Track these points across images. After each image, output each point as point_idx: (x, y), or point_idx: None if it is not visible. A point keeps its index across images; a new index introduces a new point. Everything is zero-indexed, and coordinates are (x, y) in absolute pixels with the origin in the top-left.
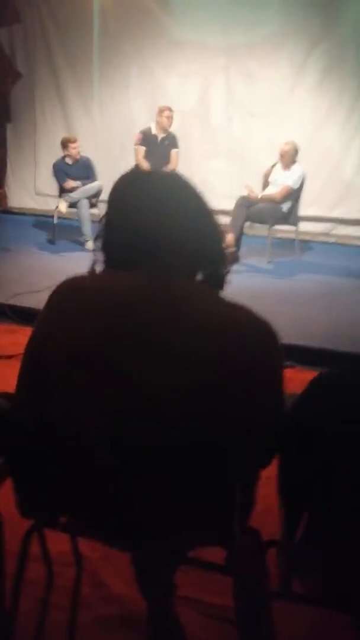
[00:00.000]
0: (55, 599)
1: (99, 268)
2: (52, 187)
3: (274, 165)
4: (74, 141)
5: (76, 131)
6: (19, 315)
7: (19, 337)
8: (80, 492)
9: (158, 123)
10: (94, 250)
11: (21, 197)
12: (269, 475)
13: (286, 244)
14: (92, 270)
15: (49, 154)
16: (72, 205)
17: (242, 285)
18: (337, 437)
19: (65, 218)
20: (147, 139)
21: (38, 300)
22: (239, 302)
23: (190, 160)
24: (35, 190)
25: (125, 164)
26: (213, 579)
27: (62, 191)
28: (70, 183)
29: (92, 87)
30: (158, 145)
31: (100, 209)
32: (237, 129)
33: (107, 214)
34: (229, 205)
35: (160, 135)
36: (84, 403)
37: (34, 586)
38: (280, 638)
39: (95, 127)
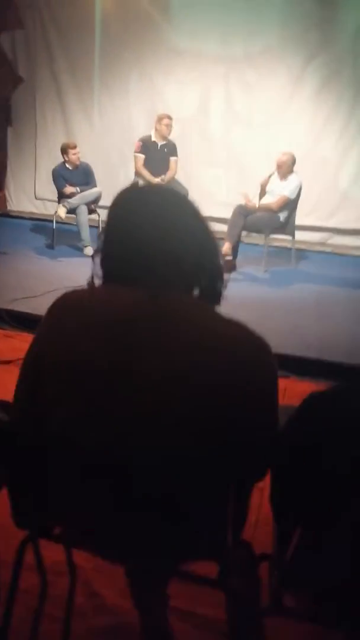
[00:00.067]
0: (49, 609)
1: (97, 282)
2: (51, 191)
3: (271, 175)
4: (74, 147)
5: (76, 136)
6: (17, 320)
7: (17, 343)
8: (75, 505)
9: (157, 131)
10: (91, 257)
11: (21, 201)
12: (262, 485)
13: (282, 253)
14: (91, 285)
15: (49, 158)
16: (71, 211)
17: (238, 294)
18: (329, 455)
19: (64, 223)
20: (146, 146)
21: (36, 306)
22: (235, 319)
23: (188, 167)
24: (34, 195)
25: (125, 171)
26: (206, 591)
27: (61, 197)
28: (69, 189)
29: (92, 93)
30: (157, 153)
31: (100, 215)
32: (235, 137)
33: (106, 228)
34: (227, 213)
35: (160, 143)
36: (81, 419)
37: (28, 596)
38: None
39: (94, 133)
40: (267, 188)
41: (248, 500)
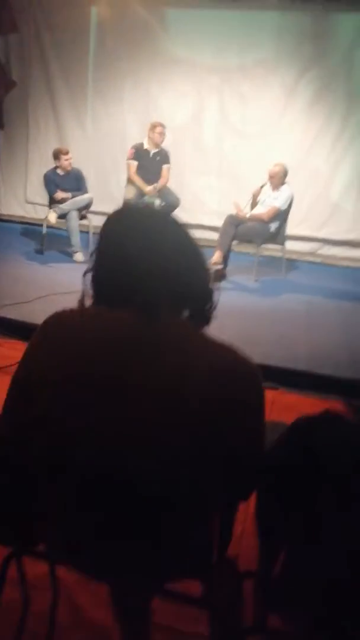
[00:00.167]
0: (31, 624)
1: (87, 302)
2: (42, 196)
3: (263, 186)
4: (66, 153)
5: (68, 142)
6: (6, 327)
7: (5, 350)
8: (59, 523)
9: (150, 139)
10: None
11: (11, 205)
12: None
13: (273, 262)
14: (81, 304)
15: (41, 163)
16: (62, 216)
17: (228, 303)
18: (315, 480)
19: (54, 228)
20: (139, 154)
21: (25, 312)
22: (223, 342)
23: (181, 176)
24: (25, 199)
25: (116, 177)
26: (189, 608)
27: (52, 202)
28: (60, 194)
29: (85, 100)
30: (150, 161)
31: (90, 221)
32: (228, 147)
33: (98, 249)
34: (218, 221)
35: (152, 151)
36: (67, 438)
37: (10, 610)
38: None
39: (87, 139)
40: (259, 198)
41: (233, 519)
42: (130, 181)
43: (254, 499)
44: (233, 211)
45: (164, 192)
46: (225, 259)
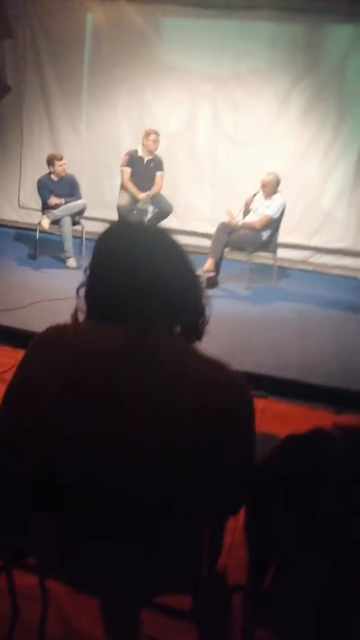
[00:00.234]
0: (20, 636)
1: (81, 317)
2: (36, 201)
3: (255, 194)
4: (60, 158)
5: (62, 148)
6: None
7: None
8: (49, 537)
9: (144, 146)
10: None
11: (4, 209)
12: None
13: (264, 270)
14: (74, 319)
15: (35, 168)
16: (55, 222)
17: (219, 311)
18: (305, 497)
19: (47, 233)
20: (133, 160)
21: (18, 318)
22: (214, 358)
23: (174, 182)
24: (18, 203)
25: (110, 184)
26: (178, 620)
27: (46, 207)
28: (53, 200)
29: (80, 106)
30: (144, 167)
31: (83, 227)
32: (221, 154)
33: (92, 264)
34: (211, 228)
35: (146, 158)
36: (62, 447)
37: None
38: None
39: (81, 145)
40: (251, 206)
41: (223, 533)
42: (123, 188)
43: (244, 511)
44: (225, 218)
45: (157, 199)
46: (217, 267)
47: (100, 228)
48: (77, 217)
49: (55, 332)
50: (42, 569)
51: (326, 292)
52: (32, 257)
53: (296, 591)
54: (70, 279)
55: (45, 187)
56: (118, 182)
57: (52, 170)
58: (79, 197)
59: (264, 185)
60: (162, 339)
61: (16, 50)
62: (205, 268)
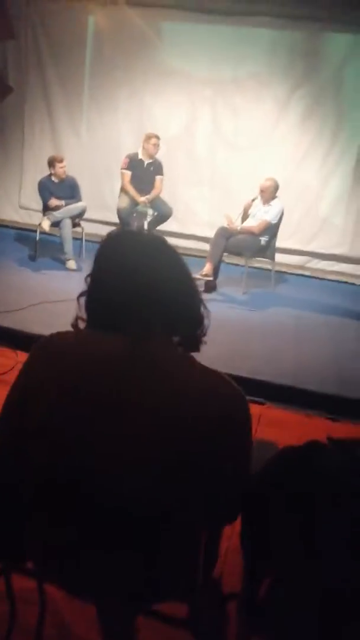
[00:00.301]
0: (18, 638)
1: (82, 325)
2: (36, 202)
3: (254, 199)
4: (61, 160)
5: (63, 149)
6: None
7: None
8: (48, 542)
9: (145, 149)
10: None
11: (5, 210)
12: None
13: (262, 274)
14: (75, 328)
15: (36, 169)
16: (55, 224)
17: (217, 315)
18: (300, 505)
19: (48, 234)
20: (133, 163)
21: (17, 320)
22: (211, 369)
23: (174, 186)
24: (19, 204)
25: (110, 186)
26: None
27: (46, 209)
28: (54, 201)
29: (81, 107)
30: (144, 171)
31: (83, 229)
32: (220, 159)
33: (93, 273)
34: (210, 232)
35: (146, 162)
36: (57, 458)
37: None
38: None
39: (82, 147)
40: (250, 211)
41: (219, 541)
42: (123, 190)
43: (240, 519)
44: (224, 223)
45: (156, 202)
46: (215, 271)
47: (100, 230)
48: (77, 219)
49: (57, 339)
50: (40, 573)
51: (323, 297)
52: (32, 258)
53: (293, 600)
54: (69, 281)
55: (46, 189)
56: (118, 185)
57: (52, 172)
58: (79, 200)
59: (262, 191)
60: (161, 348)
61: (18, 51)
62: (203, 272)
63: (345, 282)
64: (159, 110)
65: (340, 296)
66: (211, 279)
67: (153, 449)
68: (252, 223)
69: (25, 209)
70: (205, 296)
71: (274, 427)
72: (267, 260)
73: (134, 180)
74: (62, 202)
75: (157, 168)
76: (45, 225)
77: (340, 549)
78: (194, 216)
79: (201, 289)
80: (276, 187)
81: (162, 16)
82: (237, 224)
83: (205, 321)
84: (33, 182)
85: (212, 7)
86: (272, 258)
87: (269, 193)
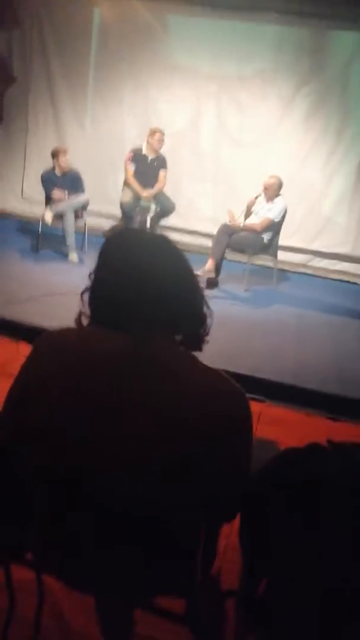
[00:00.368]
0: (16, 629)
1: (85, 321)
2: (39, 193)
3: (257, 196)
4: (65, 152)
5: (67, 141)
6: None
7: None
8: (48, 536)
9: (149, 144)
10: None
11: (7, 200)
12: None
13: (264, 272)
14: (78, 324)
15: (39, 160)
16: (58, 216)
17: (219, 312)
18: (300, 505)
19: (50, 226)
20: (137, 158)
21: (18, 312)
22: (212, 368)
23: (177, 181)
24: (22, 195)
25: (114, 179)
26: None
27: (49, 201)
28: (57, 194)
29: (85, 99)
30: (148, 165)
31: (86, 222)
32: (224, 155)
33: (96, 270)
34: (213, 228)
35: (150, 156)
36: (58, 455)
37: None
38: None
39: (86, 139)
40: (253, 209)
41: (217, 538)
42: (127, 184)
43: (238, 517)
44: (227, 219)
45: (159, 197)
46: (217, 268)
47: (103, 224)
48: (80, 212)
49: (59, 336)
50: (39, 565)
51: (325, 296)
52: (34, 249)
53: (292, 599)
54: (71, 273)
55: (49, 181)
56: (121, 178)
57: (56, 164)
58: (82, 192)
59: (266, 188)
60: (163, 347)
61: (23, 41)
62: (205, 269)
63: (348, 282)
64: (163, 104)
65: (342, 295)
66: (213, 275)
67: (154, 448)
68: (254, 220)
69: (28, 199)
70: (206, 293)
71: (274, 425)
72: (269, 258)
73: (137, 174)
74: (65, 195)
75: (161, 163)
76: (48, 217)
77: (340, 549)
78: (197, 212)
79: (203, 285)
80: (280, 185)
81: (168, 9)
82: (240, 221)
83: (208, 320)
84: (36, 172)
85: (219, 2)
86: (275, 255)
87: (273, 190)
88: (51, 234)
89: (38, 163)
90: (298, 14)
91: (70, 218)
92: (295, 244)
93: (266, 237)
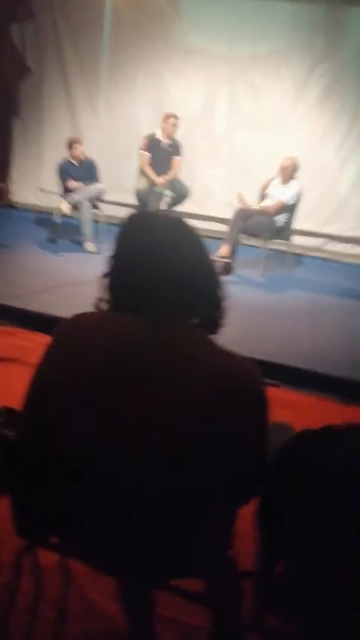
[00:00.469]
0: (43, 611)
1: (104, 306)
2: (56, 184)
3: (272, 179)
4: (80, 142)
5: (82, 130)
6: (17, 317)
7: (17, 340)
8: (73, 518)
9: (163, 129)
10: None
11: (24, 193)
12: None
13: (280, 256)
14: (98, 309)
15: (55, 151)
16: (74, 206)
17: (234, 297)
18: (318, 491)
19: (67, 217)
20: (151, 144)
21: (37, 303)
22: (230, 351)
23: (192, 166)
24: (38, 187)
25: (128, 166)
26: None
27: (65, 191)
28: (72, 184)
29: (99, 87)
30: (162, 152)
31: (102, 211)
32: (238, 138)
33: (114, 255)
34: (228, 213)
35: (165, 142)
36: (84, 438)
37: (23, 597)
38: None
39: (100, 127)
40: (268, 191)
41: (234, 520)
42: (142, 172)
43: (255, 500)
44: (237, 201)
45: (174, 183)
46: (232, 253)
47: (119, 212)
48: (96, 201)
49: (75, 324)
50: (63, 550)
51: (340, 280)
52: (53, 241)
53: (308, 582)
54: (89, 263)
55: (65, 171)
56: (136, 166)
57: (71, 154)
58: (97, 181)
59: (282, 169)
60: (178, 330)
61: (36, 31)
62: (220, 254)
63: None
64: (176, 88)
65: (357, 279)
66: (228, 260)
67: (170, 431)
68: (269, 203)
69: (45, 192)
70: (223, 281)
71: (288, 409)
72: (284, 242)
73: (152, 161)
74: (81, 184)
75: (175, 149)
76: (65, 207)
77: (356, 532)
78: (211, 197)
79: (218, 270)
80: (296, 167)
81: None
82: (250, 203)
83: (224, 303)
84: (52, 165)
85: None
86: (290, 240)
87: (289, 172)
88: (69, 224)
89: (54, 154)
90: None
91: (86, 207)
92: (310, 228)
93: (281, 220)
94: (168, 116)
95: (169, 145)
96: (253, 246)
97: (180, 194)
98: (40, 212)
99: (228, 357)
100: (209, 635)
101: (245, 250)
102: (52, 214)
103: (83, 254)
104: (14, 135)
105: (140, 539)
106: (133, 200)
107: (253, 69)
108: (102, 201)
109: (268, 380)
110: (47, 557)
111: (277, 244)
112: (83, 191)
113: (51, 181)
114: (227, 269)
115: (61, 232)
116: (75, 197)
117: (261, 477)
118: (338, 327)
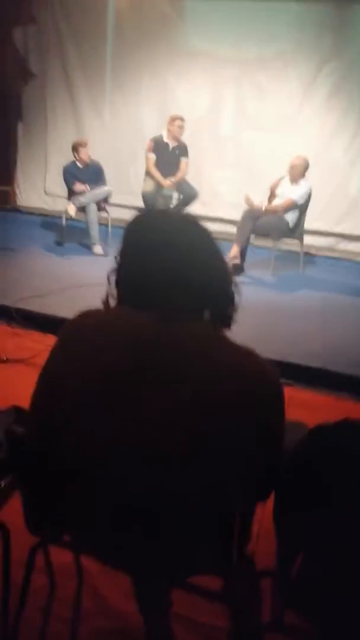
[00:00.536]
0: (57, 610)
1: (112, 302)
2: (61, 187)
3: (281, 179)
4: (85, 145)
5: (87, 133)
6: (26, 318)
7: (26, 342)
8: (85, 517)
9: (169, 132)
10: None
11: (30, 197)
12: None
13: (290, 257)
14: (105, 305)
15: (60, 154)
16: (81, 209)
17: (245, 298)
18: (333, 486)
19: (73, 220)
20: (158, 146)
21: (44, 305)
22: (243, 346)
23: (199, 168)
24: (45, 190)
25: (134, 169)
26: (206, 600)
27: (72, 194)
28: (79, 186)
29: (104, 90)
30: (168, 154)
31: (109, 213)
32: (245, 140)
33: (122, 251)
34: (236, 214)
35: (172, 144)
36: (92, 436)
37: (37, 596)
38: None
39: (105, 130)
40: (277, 191)
41: (251, 519)
42: (148, 174)
43: (272, 499)
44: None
45: (181, 185)
46: (242, 253)
47: (125, 215)
48: (102, 203)
49: (81, 323)
50: (77, 547)
51: (352, 279)
52: (59, 244)
53: (327, 578)
54: (96, 266)
55: (71, 174)
56: (142, 168)
57: (77, 157)
58: (104, 184)
59: (292, 167)
60: (189, 326)
61: (39, 35)
62: (230, 255)
63: None
64: (182, 91)
65: None
66: (238, 261)
67: (184, 428)
68: (278, 203)
69: (51, 195)
70: (236, 279)
71: (302, 409)
72: (295, 242)
73: (158, 163)
74: (87, 187)
75: (182, 151)
76: (71, 210)
77: None
78: (219, 197)
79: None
80: (306, 166)
81: None
82: (258, 204)
83: (236, 297)
84: (58, 168)
85: None
86: (301, 239)
87: (298, 172)
88: (75, 227)
89: (59, 157)
90: None
91: (93, 210)
92: (320, 228)
93: (291, 220)
94: (174, 118)
95: (176, 148)
96: (263, 247)
97: (189, 196)
98: (45, 215)
99: (242, 354)
100: (228, 635)
101: (255, 251)
102: (57, 217)
103: (89, 257)
104: (18, 139)
105: (158, 535)
106: (139, 203)
107: (260, 71)
108: (109, 204)
109: (284, 380)
110: (60, 556)
111: (287, 244)
112: (90, 194)
113: (57, 184)
114: (238, 270)
115: (68, 235)
116: (82, 199)
117: (277, 474)
118: (350, 325)
